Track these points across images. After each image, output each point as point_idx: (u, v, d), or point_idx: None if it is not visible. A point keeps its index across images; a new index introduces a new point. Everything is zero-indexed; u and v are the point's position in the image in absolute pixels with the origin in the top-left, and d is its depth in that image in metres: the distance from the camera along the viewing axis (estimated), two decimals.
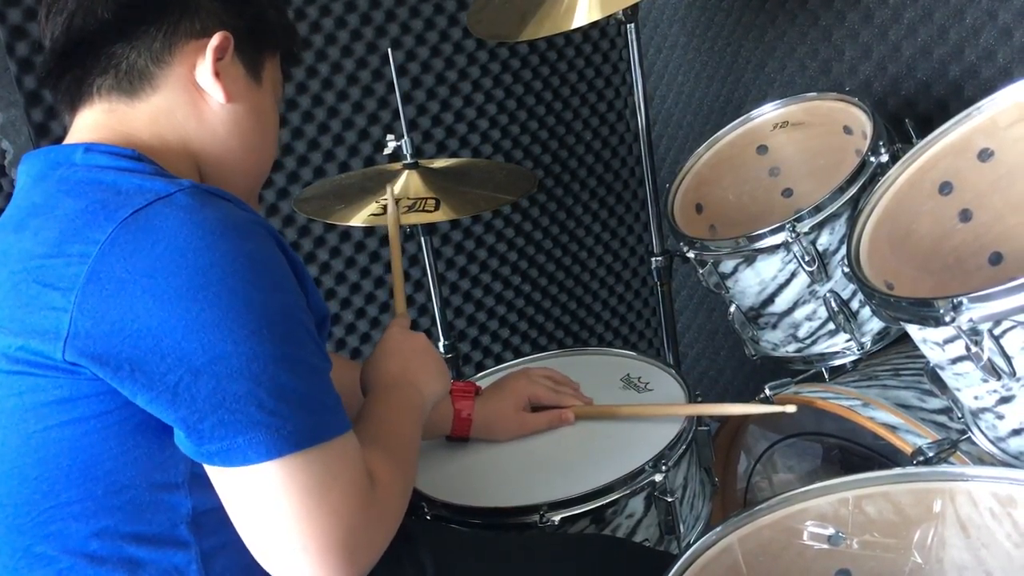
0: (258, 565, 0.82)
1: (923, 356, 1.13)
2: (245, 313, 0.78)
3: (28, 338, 0.79)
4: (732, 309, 1.51)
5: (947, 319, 0.95)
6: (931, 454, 1.11)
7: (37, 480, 0.82)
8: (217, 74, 0.92)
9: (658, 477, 1.21)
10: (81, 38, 0.90)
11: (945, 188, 1.24)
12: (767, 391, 1.39)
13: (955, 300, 0.94)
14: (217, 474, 0.81)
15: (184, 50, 0.92)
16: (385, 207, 1.51)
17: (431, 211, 1.51)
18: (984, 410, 1.05)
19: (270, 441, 0.77)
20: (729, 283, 1.47)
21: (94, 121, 0.92)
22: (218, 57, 0.93)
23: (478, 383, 1.40)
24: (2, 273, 0.84)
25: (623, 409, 1.37)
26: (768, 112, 1.61)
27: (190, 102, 0.93)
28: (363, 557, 0.84)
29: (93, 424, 0.80)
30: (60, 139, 0.95)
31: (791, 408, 1.22)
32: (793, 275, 1.38)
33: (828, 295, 1.37)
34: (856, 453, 1.44)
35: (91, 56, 0.91)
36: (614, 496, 1.18)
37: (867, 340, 1.40)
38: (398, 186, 1.56)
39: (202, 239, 0.78)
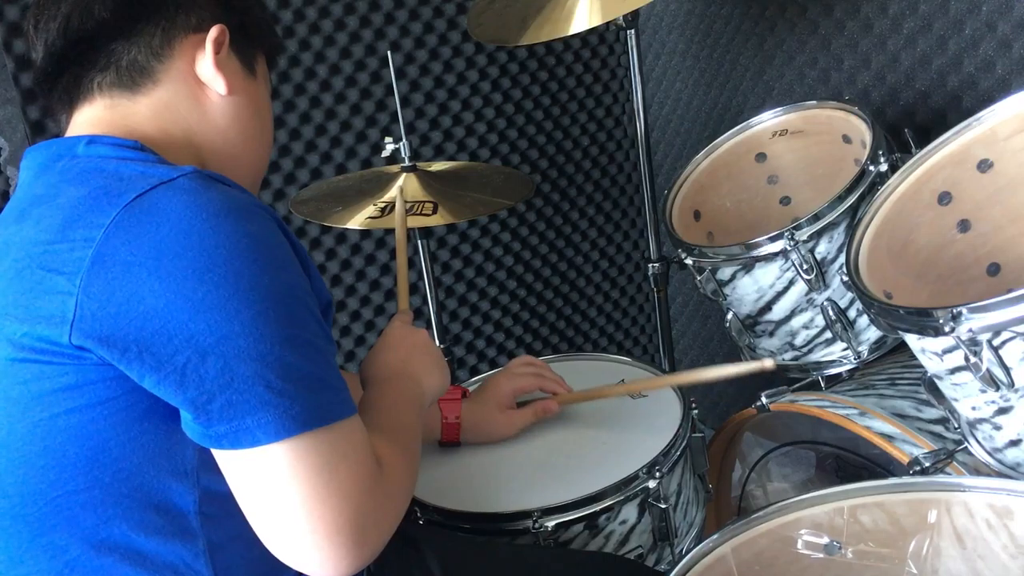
0: (265, 558, 0.81)
1: (919, 365, 1.12)
2: (251, 294, 0.78)
3: (34, 324, 0.79)
4: (729, 316, 1.51)
5: (947, 329, 0.95)
6: (927, 464, 1.11)
7: (44, 469, 0.81)
8: (218, 66, 0.93)
9: (652, 484, 1.20)
10: (79, 38, 0.91)
11: (944, 198, 1.24)
12: (763, 399, 1.39)
13: (955, 310, 0.94)
14: (225, 457, 0.80)
15: (183, 44, 0.93)
16: (383, 209, 1.51)
17: (429, 215, 1.51)
18: (981, 421, 1.05)
19: (279, 421, 0.77)
20: (727, 290, 1.46)
21: (95, 116, 0.92)
22: (216, 50, 0.94)
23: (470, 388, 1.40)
24: (5, 262, 0.84)
25: (604, 390, 1.37)
26: (767, 120, 1.61)
27: (191, 95, 0.94)
28: (372, 539, 0.83)
29: (100, 411, 0.80)
30: (56, 136, 0.94)
31: (769, 363, 1.16)
32: (791, 283, 1.38)
33: (826, 303, 1.37)
34: (851, 462, 1.43)
35: (90, 54, 0.91)
36: (607, 502, 1.18)
37: (864, 349, 1.40)
38: (395, 190, 1.56)
39: (206, 221, 0.78)
